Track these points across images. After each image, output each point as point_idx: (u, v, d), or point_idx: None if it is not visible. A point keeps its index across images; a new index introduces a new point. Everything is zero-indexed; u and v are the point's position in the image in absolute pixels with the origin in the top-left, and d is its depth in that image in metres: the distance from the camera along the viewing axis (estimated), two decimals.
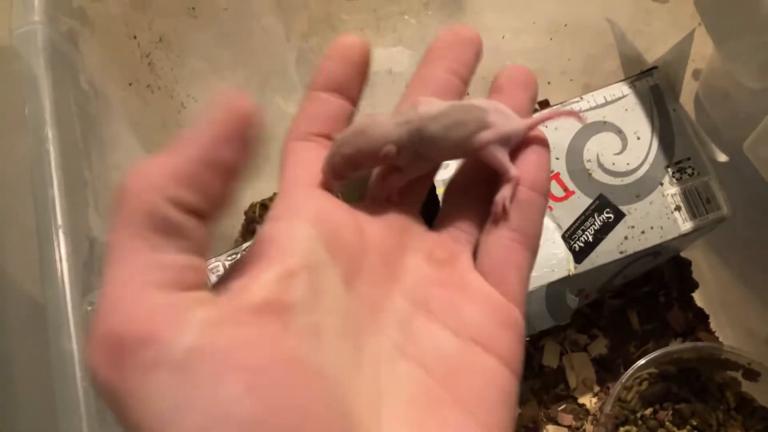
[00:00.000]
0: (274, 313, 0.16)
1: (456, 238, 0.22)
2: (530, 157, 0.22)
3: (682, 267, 0.56)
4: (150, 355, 0.14)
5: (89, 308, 0.28)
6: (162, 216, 0.16)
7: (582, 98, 0.46)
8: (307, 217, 0.19)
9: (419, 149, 0.22)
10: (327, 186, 0.21)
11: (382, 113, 0.22)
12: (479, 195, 0.23)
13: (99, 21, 0.36)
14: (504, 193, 0.21)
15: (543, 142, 0.22)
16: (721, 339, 0.53)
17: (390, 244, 0.21)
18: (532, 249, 0.22)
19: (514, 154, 0.22)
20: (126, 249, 0.15)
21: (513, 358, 0.20)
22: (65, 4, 0.34)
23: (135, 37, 0.39)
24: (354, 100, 0.23)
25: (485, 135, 0.21)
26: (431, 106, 0.22)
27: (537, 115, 0.23)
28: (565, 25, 0.54)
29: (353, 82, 0.22)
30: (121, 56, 0.39)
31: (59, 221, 0.28)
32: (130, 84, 0.40)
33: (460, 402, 0.19)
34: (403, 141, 0.21)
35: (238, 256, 0.44)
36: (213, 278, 0.43)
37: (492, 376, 0.19)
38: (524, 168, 0.22)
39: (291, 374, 0.15)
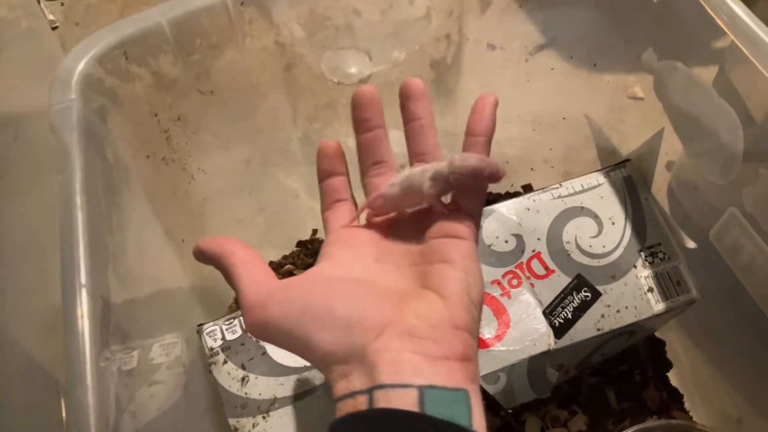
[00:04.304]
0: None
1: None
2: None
3: (657, 347, 0.58)
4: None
5: (103, 364, 0.29)
6: None
7: (561, 185, 0.50)
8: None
9: None
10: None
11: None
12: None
13: (126, 100, 0.40)
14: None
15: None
16: (695, 419, 0.55)
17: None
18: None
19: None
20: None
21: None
22: (98, 84, 0.38)
23: (156, 115, 0.43)
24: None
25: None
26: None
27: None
28: (548, 118, 0.58)
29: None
30: (142, 131, 0.42)
31: (83, 281, 0.30)
32: (148, 156, 0.43)
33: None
34: None
35: (234, 321, 0.46)
36: (210, 341, 0.45)
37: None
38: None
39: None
